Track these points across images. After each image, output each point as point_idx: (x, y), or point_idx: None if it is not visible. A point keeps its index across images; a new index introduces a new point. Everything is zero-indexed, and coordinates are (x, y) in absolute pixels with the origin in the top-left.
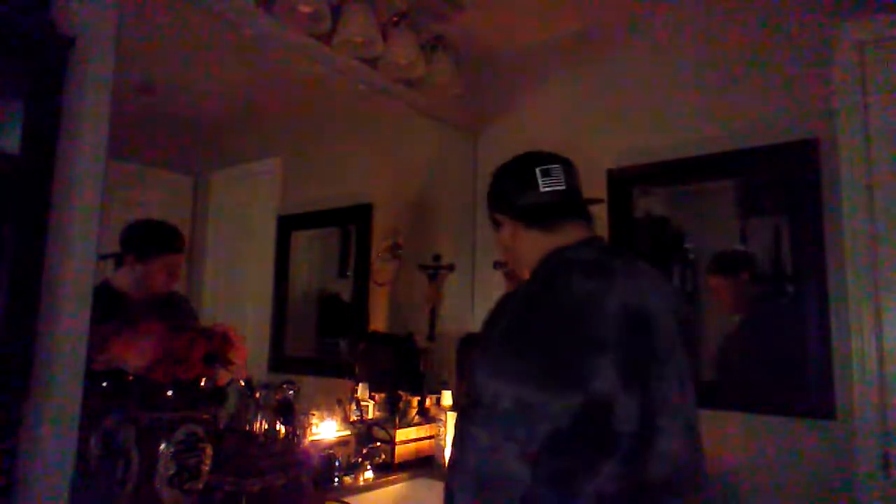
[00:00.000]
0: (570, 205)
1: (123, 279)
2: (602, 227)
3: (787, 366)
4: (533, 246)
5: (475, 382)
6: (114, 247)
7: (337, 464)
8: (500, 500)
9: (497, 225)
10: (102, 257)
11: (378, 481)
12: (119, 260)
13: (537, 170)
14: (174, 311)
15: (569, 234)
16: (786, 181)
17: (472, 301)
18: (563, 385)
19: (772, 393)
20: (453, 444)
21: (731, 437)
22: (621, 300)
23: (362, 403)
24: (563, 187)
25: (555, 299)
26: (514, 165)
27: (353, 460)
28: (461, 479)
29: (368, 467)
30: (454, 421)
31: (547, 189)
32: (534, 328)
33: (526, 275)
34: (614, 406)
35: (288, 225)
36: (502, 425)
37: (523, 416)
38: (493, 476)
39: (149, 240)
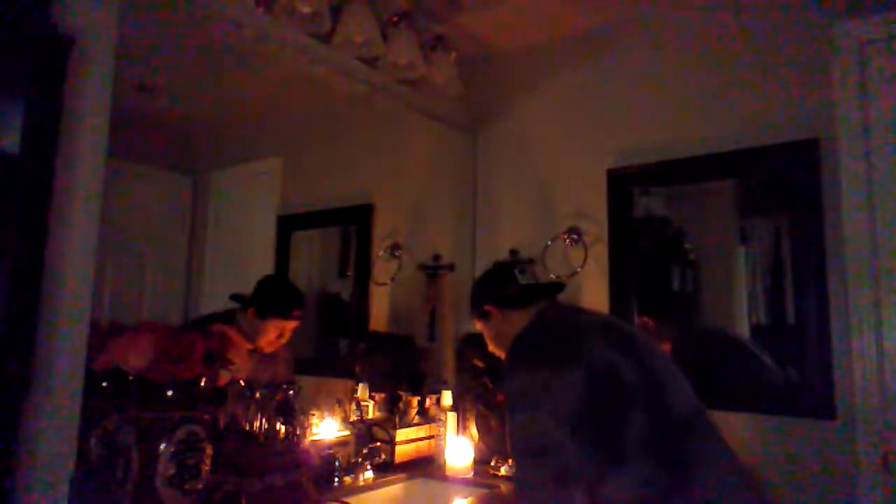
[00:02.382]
0: (539, 289)
1: (242, 322)
2: (602, 228)
3: (786, 366)
4: (517, 323)
5: (509, 380)
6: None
7: (337, 464)
8: (554, 463)
9: (486, 316)
10: (233, 297)
11: (378, 481)
12: (244, 306)
13: (515, 270)
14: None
15: (540, 307)
16: (786, 181)
17: None
18: (565, 363)
19: (772, 393)
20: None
21: (731, 437)
22: (589, 319)
23: (362, 403)
24: (534, 281)
25: (546, 325)
26: (497, 270)
27: (353, 460)
28: (519, 454)
29: (368, 467)
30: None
31: (523, 282)
32: (541, 343)
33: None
34: (613, 365)
35: (288, 225)
36: (533, 402)
37: (547, 391)
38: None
39: (271, 302)
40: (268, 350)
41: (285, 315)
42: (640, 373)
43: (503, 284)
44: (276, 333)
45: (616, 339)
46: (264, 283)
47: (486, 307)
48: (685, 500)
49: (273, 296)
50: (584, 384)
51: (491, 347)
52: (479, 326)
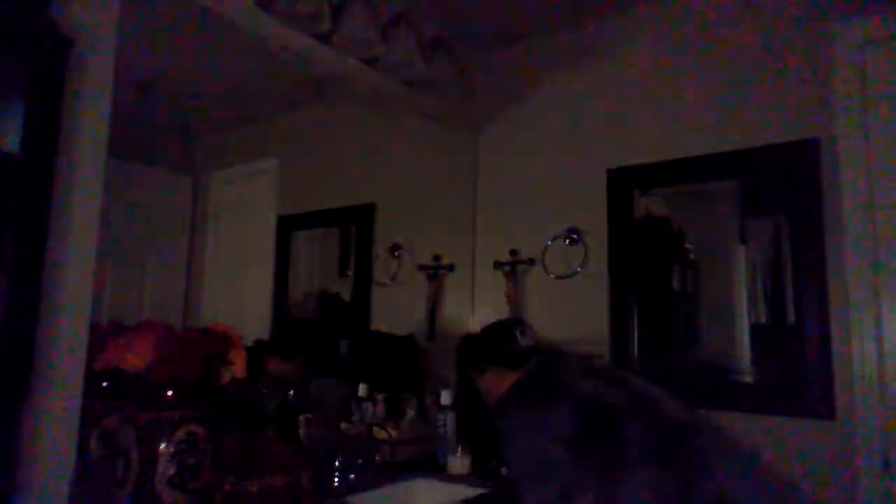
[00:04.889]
0: (537, 352)
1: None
2: (602, 228)
3: (787, 366)
4: (508, 382)
5: (502, 421)
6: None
7: (337, 464)
8: (555, 477)
9: (482, 371)
10: (257, 342)
11: (378, 481)
12: (267, 350)
13: (516, 330)
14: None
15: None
16: (786, 181)
17: (472, 301)
18: (551, 399)
19: (772, 393)
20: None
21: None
22: (568, 360)
23: (362, 403)
24: (533, 343)
25: (531, 374)
26: (500, 327)
27: (353, 460)
28: (520, 479)
29: (368, 467)
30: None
31: (524, 344)
32: (528, 387)
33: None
34: (599, 394)
35: (288, 225)
36: (526, 432)
37: (538, 422)
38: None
39: (288, 345)
40: (296, 387)
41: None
42: (626, 395)
43: (503, 344)
44: (298, 374)
45: (595, 373)
46: (285, 328)
47: (484, 364)
48: (702, 495)
49: (291, 339)
50: (572, 414)
51: (483, 397)
52: (473, 376)
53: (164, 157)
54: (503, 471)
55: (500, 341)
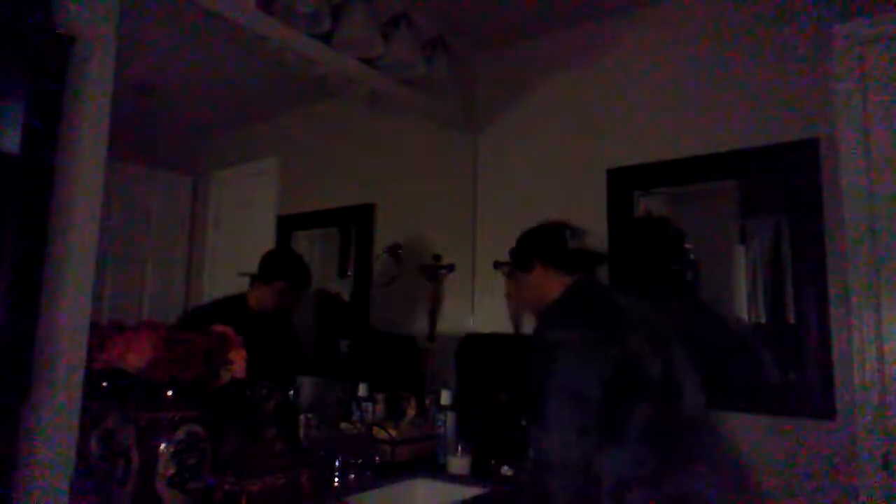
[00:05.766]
0: (585, 258)
1: (252, 295)
2: (602, 228)
3: (787, 366)
4: (554, 285)
5: (557, 329)
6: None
7: (337, 464)
8: (584, 412)
9: (528, 268)
10: (241, 274)
11: (378, 481)
12: (253, 279)
13: (567, 232)
14: (282, 327)
15: (579, 277)
16: (786, 181)
17: (472, 301)
18: (611, 337)
19: (772, 393)
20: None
21: (731, 437)
22: (630, 304)
23: (362, 403)
24: (580, 246)
25: (594, 295)
26: (550, 227)
27: (353, 460)
28: (555, 394)
29: (368, 467)
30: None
31: (571, 245)
32: (591, 310)
33: (535, 309)
34: (642, 359)
35: (288, 225)
36: (580, 356)
37: (593, 352)
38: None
39: (268, 267)
40: (273, 309)
41: (283, 276)
42: (662, 373)
43: (555, 242)
44: (276, 295)
45: (653, 336)
46: (266, 255)
47: (533, 260)
48: (672, 485)
49: (273, 262)
50: (614, 363)
51: (515, 300)
52: (511, 278)
53: (164, 157)
54: (504, 469)
55: (549, 239)
